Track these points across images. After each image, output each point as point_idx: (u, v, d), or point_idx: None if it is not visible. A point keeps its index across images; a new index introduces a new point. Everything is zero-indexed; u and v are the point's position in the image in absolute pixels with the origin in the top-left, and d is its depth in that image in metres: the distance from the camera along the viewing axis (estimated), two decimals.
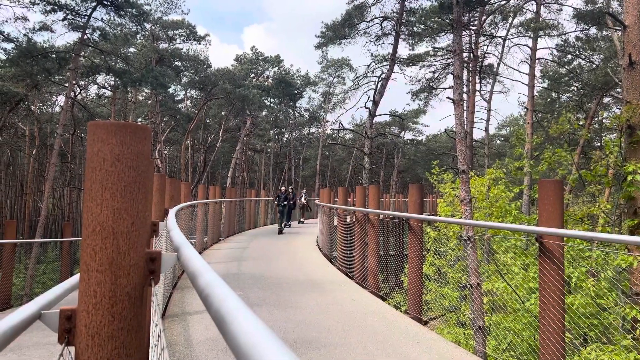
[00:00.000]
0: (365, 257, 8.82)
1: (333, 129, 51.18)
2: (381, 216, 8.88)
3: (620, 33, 11.67)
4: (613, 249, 7.96)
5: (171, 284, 7.40)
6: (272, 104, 45.14)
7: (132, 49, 31.04)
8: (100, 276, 1.43)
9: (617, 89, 22.35)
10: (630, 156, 8.89)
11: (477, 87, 26.76)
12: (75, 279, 1.89)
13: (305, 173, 54.28)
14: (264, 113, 45.13)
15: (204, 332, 5.18)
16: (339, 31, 28.35)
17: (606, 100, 27.88)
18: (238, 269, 9.69)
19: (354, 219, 10.04)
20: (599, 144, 28.53)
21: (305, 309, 6.22)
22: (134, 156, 1.50)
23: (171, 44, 35.58)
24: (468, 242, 7.84)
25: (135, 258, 1.49)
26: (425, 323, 6.42)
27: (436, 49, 28.46)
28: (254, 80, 40.98)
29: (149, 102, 38.39)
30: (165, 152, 42.07)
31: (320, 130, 50.14)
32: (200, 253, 12.07)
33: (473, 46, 25.91)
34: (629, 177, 8.42)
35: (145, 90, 36.37)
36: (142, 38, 30.65)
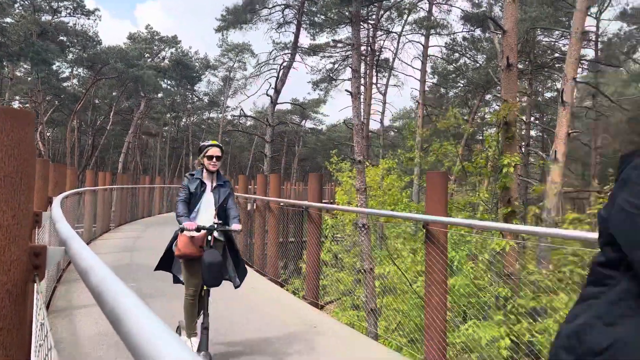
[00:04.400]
0: (265, 244, 8.86)
1: (234, 115, 50.35)
2: (282, 204, 8.97)
3: (500, 36, 12.80)
4: (490, 234, 8.78)
5: (56, 276, 6.90)
6: (168, 87, 43.26)
7: (8, 19, 27.95)
8: None
9: (498, 87, 24.47)
10: (506, 150, 9.83)
11: (374, 80, 27.81)
12: None
13: None
14: (159, 95, 43.09)
15: (93, 326, 4.91)
16: (240, 16, 27.84)
17: (488, 97, 30.39)
18: (131, 259, 9.26)
19: (255, 207, 10.03)
20: (481, 138, 31.07)
21: None
22: (15, 144, 1.40)
23: (55, 16, 32.58)
24: (363, 229, 8.19)
25: (16, 253, 1.40)
26: (321, 307, 6.63)
27: (335, 41, 29.05)
28: (149, 60, 38.95)
29: (29, 79, 34.94)
30: (48, 134, 38.68)
31: (220, 115, 49.05)
32: (88, 243, 11.31)
33: (371, 40, 26.81)
34: (504, 169, 9.31)
35: (25, 66, 33.03)
36: (20, 8, 27.71)
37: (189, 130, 49.99)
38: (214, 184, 4.18)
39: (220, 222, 4.05)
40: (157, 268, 4.24)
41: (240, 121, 51.68)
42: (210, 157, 4.11)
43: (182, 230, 3.88)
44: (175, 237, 4.08)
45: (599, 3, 23.47)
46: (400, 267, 9.08)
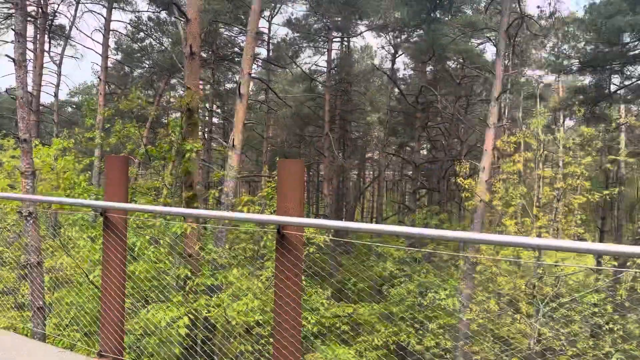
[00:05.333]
0: None
1: None
2: None
3: (184, 23, 13.04)
4: (172, 218, 8.95)
5: None
6: None
7: None
8: None
9: (182, 73, 24.92)
10: (188, 136, 10.16)
11: (47, 47, 24.43)
12: None
13: None
14: None
15: None
16: None
17: (173, 81, 30.60)
18: None
19: None
20: (166, 122, 31.12)
21: None
22: None
23: None
24: (29, 218, 7.20)
25: None
26: None
27: None
28: None
29: None
30: None
31: None
32: None
33: (42, 1, 23.41)
34: (187, 154, 9.63)
35: None
36: None
37: None
38: None
39: None
40: None
41: None
42: None
43: None
44: None
45: (271, 8, 26.51)
46: (76, 257, 8.38)
